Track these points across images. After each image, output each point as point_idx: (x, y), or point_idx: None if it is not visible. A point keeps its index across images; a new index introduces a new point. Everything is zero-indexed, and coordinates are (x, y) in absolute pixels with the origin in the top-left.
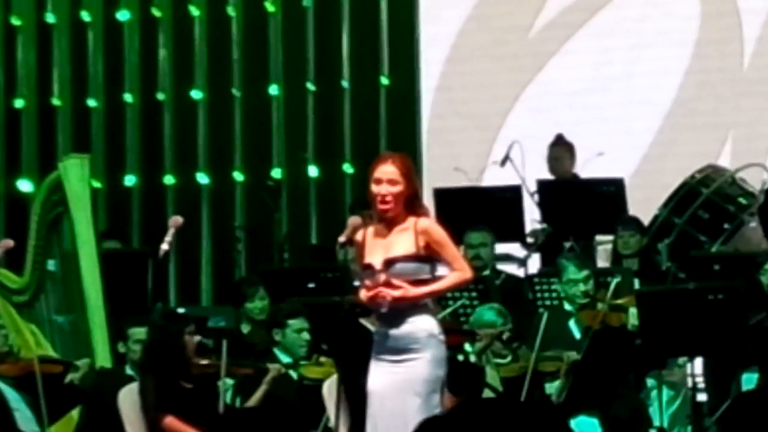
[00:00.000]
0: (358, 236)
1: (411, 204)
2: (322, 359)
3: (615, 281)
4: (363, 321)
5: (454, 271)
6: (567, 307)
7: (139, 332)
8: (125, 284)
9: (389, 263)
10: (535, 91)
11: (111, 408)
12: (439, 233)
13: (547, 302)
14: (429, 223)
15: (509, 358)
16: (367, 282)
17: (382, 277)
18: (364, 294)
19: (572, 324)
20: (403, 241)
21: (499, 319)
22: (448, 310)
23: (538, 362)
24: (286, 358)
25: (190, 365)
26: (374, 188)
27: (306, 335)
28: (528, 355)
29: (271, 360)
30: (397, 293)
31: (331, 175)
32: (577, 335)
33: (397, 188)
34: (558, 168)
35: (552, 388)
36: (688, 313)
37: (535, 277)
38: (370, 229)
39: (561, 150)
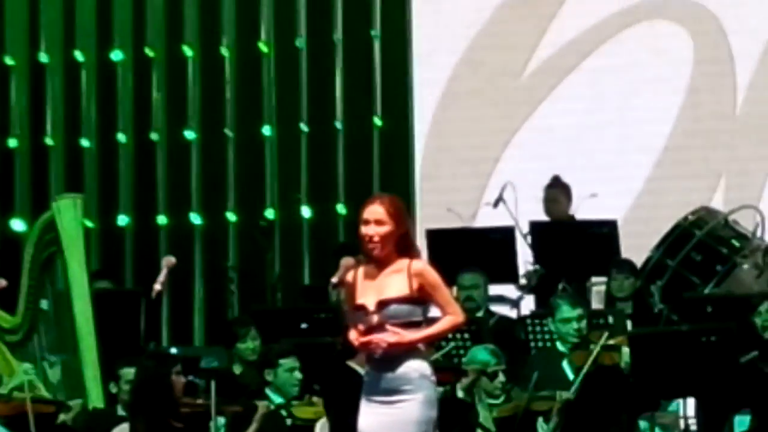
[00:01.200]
0: (349, 276)
1: (402, 245)
2: (314, 399)
3: (605, 334)
4: (351, 363)
5: (447, 315)
6: (560, 347)
7: (129, 373)
8: (118, 324)
9: (382, 305)
10: (528, 133)
11: None
12: (434, 276)
13: (540, 343)
14: (423, 265)
15: (502, 399)
16: (360, 325)
17: (375, 319)
18: (356, 338)
19: (565, 364)
20: (396, 282)
21: (493, 359)
22: (441, 352)
23: (531, 402)
24: (278, 399)
25: (179, 405)
26: (362, 229)
27: (298, 374)
28: (521, 395)
29: (263, 401)
30: (392, 339)
31: (324, 216)
32: (570, 376)
33: (384, 229)
34: (554, 209)
35: (544, 428)
36: (680, 354)
37: (528, 318)
38: (361, 270)
39: (557, 191)
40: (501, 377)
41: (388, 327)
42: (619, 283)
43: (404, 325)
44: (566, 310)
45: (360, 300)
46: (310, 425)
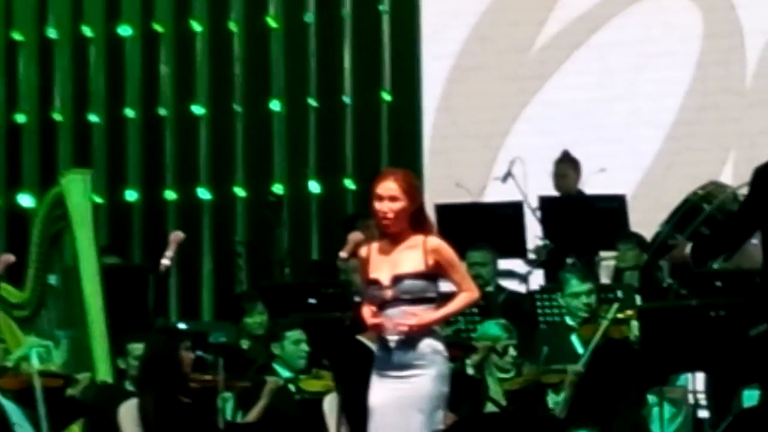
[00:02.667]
0: (363, 251)
1: (416, 220)
2: (321, 372)
3: (615, 306)
4: (361, 338)
5: (462, 291)
6: (569, 321)
7: (138, 348)
8: (126, 299)
9: (397, 279)
10: (537, 109)
11: (111, 423)
12: (450, 252)
13: (549, 318)
14: (439, 242)
15: (512, 373)
16: (374, 299)
17: (389, 293)
18: (369, 316)
19: (574, 338)
20: (411, 258)
21: (504, 333)
22: (452, 327)
23: (542, 375)
24: (285, 373)
25: (188, 380)
26: (376, 205)
27: (304, 346)
28: (531, 369)
29: (271, 375)
30: (413, 322)
31: (333, 190)
32: (580, 350)
33: (398, 204)
34: (563, 184)
35: (555, 400)
36: (689, 329)
37: (537, 293)
38: (375, 245)
39: (567, 166)
40: (512, 352)
41: (405, 311)
42: (622, 253)
43: (417, 300)
44: (575, 285)
45: (374, 274)
46: (318, 398)
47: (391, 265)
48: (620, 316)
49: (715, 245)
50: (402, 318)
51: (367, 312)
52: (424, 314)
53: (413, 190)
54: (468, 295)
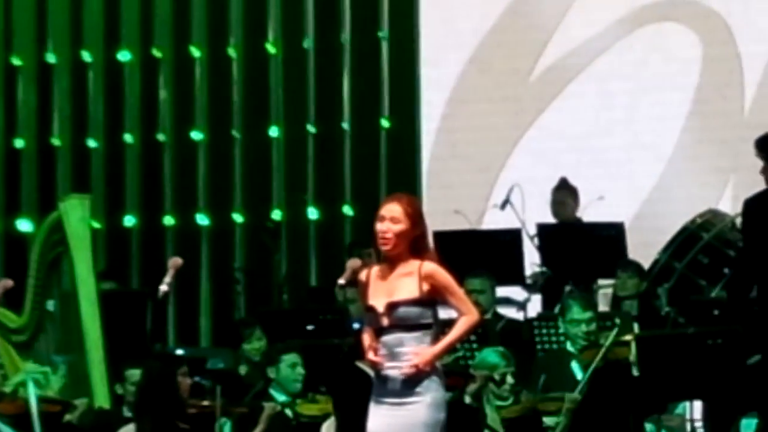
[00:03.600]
0: (363, 276)
1: (416, 246)
2: (318, 396)
3: (615, 329)
4: (359, 364)
5: (461, 315)
6: (570, 348)
7: (135, 374)
8: (124, 325)
9: (392, 307)
10: (536, 135)
11: None
12: (445, 277)
13: (546, 345)
14: (434, 267)
15: (510, 400)
16: (371, 324)
17: (385, 321)
18: (369, 355)
19: (574, 365)
20: (406, 284)
21: (502, 361)
22: (451, 357)
23: (540, 402)
24: (281, 397)
25: (186, 406)
26: (377, 225)
27: (300, 369)
28: (529, 397)
29: (268, 400)
30: (417, 362)
31: (331, 216)
32: (579, 376)
33: (399, 227)
34: (561, 212)
35: (551, 422)
36: (687, 357)
37: (535, 320)
38: (375, 269)
39: (565, 194)
40: (510, 379)
41: (413, 352)
42: (622, 282)
43: (413, 327)
44: (576, 312)
45: (371, 301)
46: (315, 422)
47: (386, 291)
48: (621, 338)
49: (740, 284)
50: (397, 346)
51: (368, 344)
52: (426, 350)
53: (416, 215)
54: (468, 318)
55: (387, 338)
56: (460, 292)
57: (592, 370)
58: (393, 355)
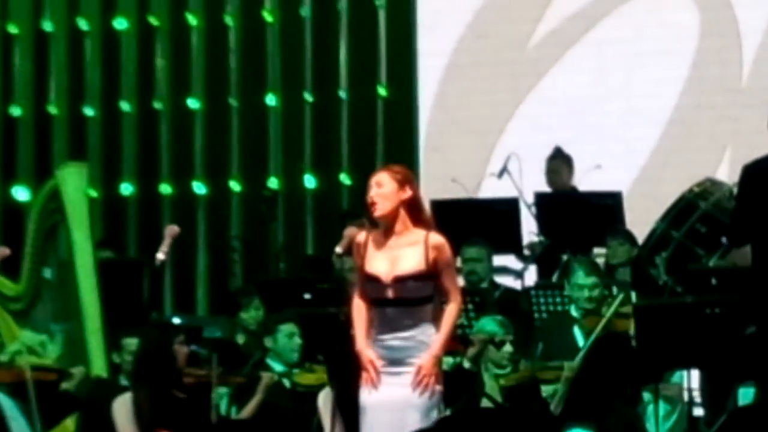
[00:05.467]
0: (360, 237)
1: (414, 213)
2: (315, 366)
3: (619, 298)
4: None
5: (450, 299)
6: (573, 312)
7: (132, 343)
8: (121, 294)
9: (398, 280)
10: (533, 104)
11: (106, 417)
12: (449, 254)
13: (545, 315)
14: (443, 241)
15: (509, 369)
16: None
17: (390, 293)
18: (369, 372)
19: (576, 330)
20: (411, 255)
21: (501, 329)
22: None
23: (538, 371)
24: (278, 367)
25: (182, 375)
26: (367, 197)
27: (297, 339)
28: (528, 365)
29: (265, 370)
30: (426, 375)
31: (328, 185)
32: (581, 342)
33: (385, 189)
34: (556, 181)
35: (549, 392)
36: (685, 326)
37: (533, 289)
38: (372, 234)
39: (559, 163)
40: (508, 347)
41: (422, 369)
42: (613, 250)
43: (417, 300)
44: (581, 276)
45: (372, 270)
46: (312, 391)
47: (391, 261)
48: (622, 310)
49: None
50: (400, 318)
51: (367, 359)
52: (428, 361)
53: (403, 178)
54: (455, 307)
55: (389, 310)
56: (455, 274)
57: (594, 337)
58: (395, 327)
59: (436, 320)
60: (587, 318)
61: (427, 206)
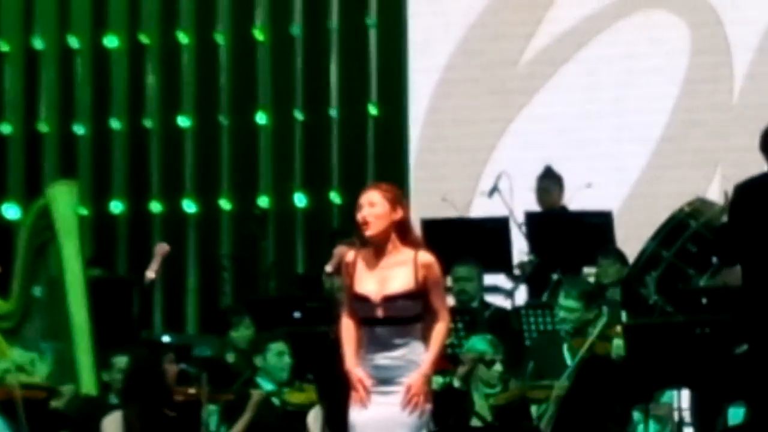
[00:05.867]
0: (349, 256)
1: (402, 233)
2: (305, 385)
3: (602, 321)
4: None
5: (439, 318)
6: (563, 332)
7: (122, 361)
8: (111, 312)
9: (388, 300)
10: (524, 123)
11: None
12: (438, 273)
13: (535, 334)
14: (431, 259)
15: (499, 388)
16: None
17: (380, 313)
18: (356, 384)
19: (566, 350)
20: (400, 275)
21: (490, 348)
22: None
23: (528, 390)
24: (268, 385)
25: (172, 393)
26: (357, 216)
27: (287, 358)
28: (518, 385)
29: (255, 389)
30: (414, 391)
31: (319, 204)
32: (569, 362)
33: (377, 209)
34: (546, 200)
35: (539, 411)
36: (675, 346)
37: (523, 308)
38: (362, 254)
39: (549, 182)
40: (498, 366)
41: (412, 386)
42: (604, 269)
43: (407, 319)
44: (561, 298)
45: (361, 290)
46: (302, 411)
47: (380, 281)
48: (607, 332)
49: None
50: (390, 338)
51: (356, 377)
52: (417, 380)
53: (394, 198)
54: (444, 326)
55: (379, 330)
56: (443, 293)
57: (578, 359)
58: (384, 346)
59: (425, 339)
60: (574, 339)
61: (417, 225)
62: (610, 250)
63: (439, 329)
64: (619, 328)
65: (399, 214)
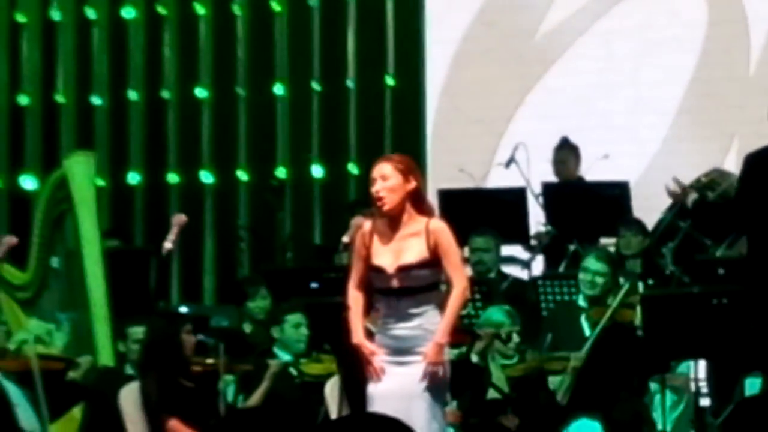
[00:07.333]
0: (366, 226)
1: (416, 202)
2: (322, 356)
3: (625, 287)
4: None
5: (453, 284)
6: (580, 302)
7: (137, 332)
8: (128, 283)
9: (402, 270)
10: (541, 95)
11: (113, 406)
12: (449, 239)
13: (552, 305)
14: (442, 226)
15: (516, 359)
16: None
17: (395, 283)
18: (368, 353)
19: (583, 320)
20: (414, 245)
21: (507, 319)
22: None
23: (545, 362)
24: (285, 356)
25: (190, 364)
26: (371, 189)
27: (304, 330)
28: (534, 356)
29: (272, 359)
30: (431, 360)
31: (336, 175)
32: (587, 332)
33: (390, 182)
34: (563, 171)
35: (556, 383)
36: (692, 316)
37: (540, 279)
38: (378, 224)
39: (566, 153)
40: (515, 338)
41: (432, 360)
42: (627, 240)
43: (423, 288)
44: (590, 261)
45: (376, 261)
46: (319, 381)
47: (394, 252)
48: (628, 300)
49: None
50: (406, 308)
51: (368, 350)
52: (433, 349)
53: (407, 169)
54: (458, 291)
55: (395, 299)
56: (457, 258)
57: (601, 327)
58: (401, 316)
59: (442, 308)
60: (593, 308)
61: (434, 196)
62: (631, 221)
63: (454, 296)
64: (637, 299)
65: (412, 184)
